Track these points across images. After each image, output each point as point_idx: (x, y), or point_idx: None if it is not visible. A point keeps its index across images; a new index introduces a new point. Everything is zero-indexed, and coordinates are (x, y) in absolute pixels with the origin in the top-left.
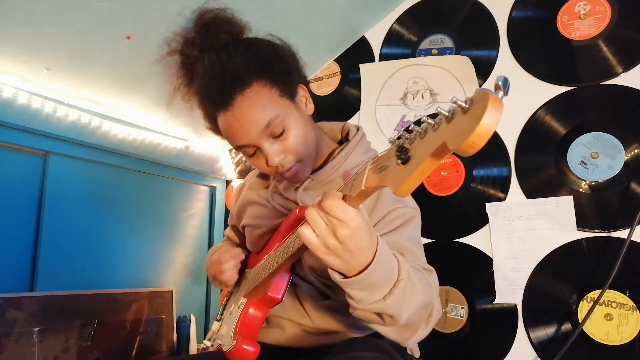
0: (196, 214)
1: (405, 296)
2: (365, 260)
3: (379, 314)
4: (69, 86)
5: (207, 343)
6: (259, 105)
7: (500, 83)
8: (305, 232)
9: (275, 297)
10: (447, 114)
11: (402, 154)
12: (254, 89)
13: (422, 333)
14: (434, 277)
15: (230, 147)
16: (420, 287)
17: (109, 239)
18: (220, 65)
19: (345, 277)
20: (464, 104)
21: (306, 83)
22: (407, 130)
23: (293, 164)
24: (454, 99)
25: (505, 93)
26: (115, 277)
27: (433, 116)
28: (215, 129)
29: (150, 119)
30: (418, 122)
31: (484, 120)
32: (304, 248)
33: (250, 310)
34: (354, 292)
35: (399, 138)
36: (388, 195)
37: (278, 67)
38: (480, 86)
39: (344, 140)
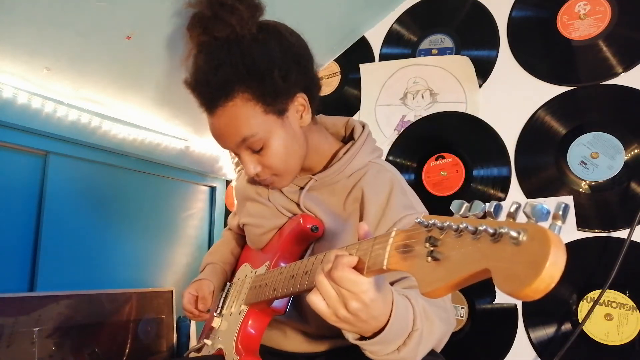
0: (196, 214)
1: (421, 342)
2: (378, 325)
3: None
4: (69, 86)
5: (208, 342)
6: (237, 121)
7: (560, 212)
8: (315, 301)
9: (279, 311)
10: (491, 231)
11: (433, 248)
12: (237, 103)
13: (443, 345)
14: None
15: None
16: (438, 323)
17: (109, 239)
18: (208, 72)
19: (360, 337)
20: (515, 234)
21: (309, 89)
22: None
23: (268, 176)
24: (504, 228)
25: (564, 222)
26: (115, 277)
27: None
28: None
29: (150, 119)
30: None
31: (545, 272)
32: (311, 289)
33: (251, 322)
34: (367, 347)
35: (427, 224)
36: (398, 201)
37: (269, 82)
38: (480, 86)
39: (348, 137)
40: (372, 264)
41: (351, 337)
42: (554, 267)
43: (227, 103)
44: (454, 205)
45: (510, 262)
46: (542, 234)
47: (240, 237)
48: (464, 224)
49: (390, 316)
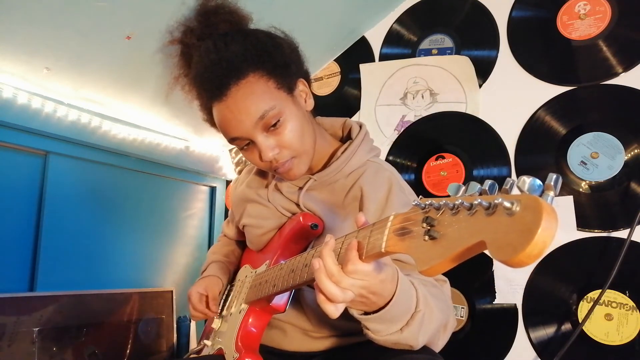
0: (196, 214)
1: (423, 325)
2: (384, 301)
3: (396, 343)
4: (69, 86)
5: (208, 342)
6: (253, 97)
7: (552, 183)
8: (328, 308)
9: (279, 308)
10: (486, 204)
11: (430, 227)
12: (250, 79)
13: (441, 343)
14: (447, 288)
15: (229, 145)
16: (437, 312)
17: (108, 239)
18: (216, 54)
19: (364, 313)
20: (508, 205)
21: (307, 78)
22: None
23: (287, 159)
24: (498, 199)
25: (556, 192)
26: (115, 277)
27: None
28: (211, 120)
29: (150, 118)
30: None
31: (538, 237)
32: (311, 281)
33: (251, 320)
34: (371, 325)
35: (424, 206)
36: (397, 200)
37: (276, 58)
38: (480, 86)
39: (346, 138)
40: (371, 248)
41: (356, 313)
42: (545, 233)
43: (240, 81)
44: (451, 188)
45: (504, 232)
46: (534, 202)
47: (238, 242)
48: (460, 201)
49: (395, 292)
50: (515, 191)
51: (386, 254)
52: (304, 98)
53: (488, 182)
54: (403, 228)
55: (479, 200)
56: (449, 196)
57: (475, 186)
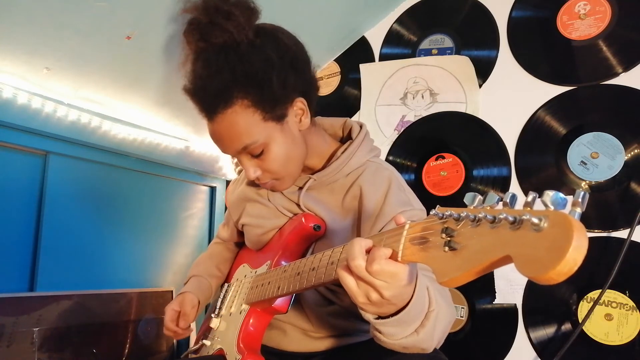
0: (196, 214)
1: (437, 324)
2: (402, 304)
3: (406, 347)
4: (69, 86)
5: (207, 342)
6: (237, 129)
7: (579, 199)
8: (348, 280)
9: (281, 309)
10: (512, 219)
11: (450, 238)
12: (236, 109)
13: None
14: None
15: None
16: (445, 308)
17: (109, 239)
18: (206, 79)
19: (379, 317)
20: (536, 220)
21: (307, 93)
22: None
23: (269, 180)
24: (526, 214)
25: (583, 208)
26: (116, 277)
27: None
28: None
29: (151, 118)
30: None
31: (569, 255)
32: (318, 285)
33: (252, 320)
34: (386, 329)
35: (442, 216)
36: (395, 198)
37: (267, 89)
38: (480, 86)
39: (346, 138)
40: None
41: (371, 317)
42: (577, 251)
43: (226, 110)
44: (468, 197)
45: (532, 247)
46: (563, 219)
47: (230, 250)
48: (483, 214)
49: (413, 294)
50: (538, 205)
51: (402, 262)
52: (300, 117)
53: (509, 194)
54: (421, 237)
55: (505, 214)
56: (465, 206)
57: (494, 197)
